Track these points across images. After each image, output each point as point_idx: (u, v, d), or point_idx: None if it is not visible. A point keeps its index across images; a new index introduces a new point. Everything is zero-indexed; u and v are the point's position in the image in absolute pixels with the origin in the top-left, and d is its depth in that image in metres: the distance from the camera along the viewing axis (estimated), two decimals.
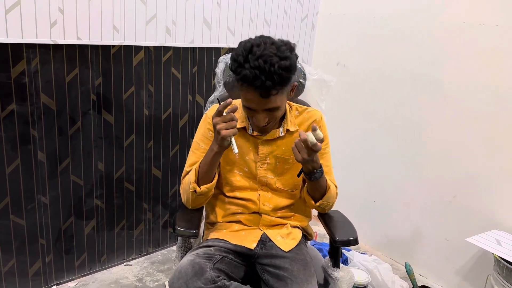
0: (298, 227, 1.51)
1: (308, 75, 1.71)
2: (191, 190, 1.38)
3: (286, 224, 1.48)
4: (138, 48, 2.06)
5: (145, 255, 2.41)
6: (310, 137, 1.25)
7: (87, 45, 1.90)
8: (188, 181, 1.40)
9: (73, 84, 1.92)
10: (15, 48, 1.72)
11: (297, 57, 1.31)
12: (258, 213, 1.47)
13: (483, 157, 2.11)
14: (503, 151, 2.04)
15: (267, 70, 1.20)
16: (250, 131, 1.44)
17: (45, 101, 1.86)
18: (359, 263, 2.26)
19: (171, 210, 2.44)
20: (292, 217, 1.52)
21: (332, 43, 2.73)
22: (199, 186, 1.38)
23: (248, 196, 1.46)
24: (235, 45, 2.45)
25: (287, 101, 1.44)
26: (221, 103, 1.28)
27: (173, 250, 2.49)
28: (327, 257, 1.49)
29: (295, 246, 1.41)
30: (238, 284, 1.26)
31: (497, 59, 2.02)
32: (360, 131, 2.64)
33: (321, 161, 1.37)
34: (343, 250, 2.08)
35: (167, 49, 2.15)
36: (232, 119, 1.28)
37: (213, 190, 1.43)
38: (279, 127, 1.45)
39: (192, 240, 1.50)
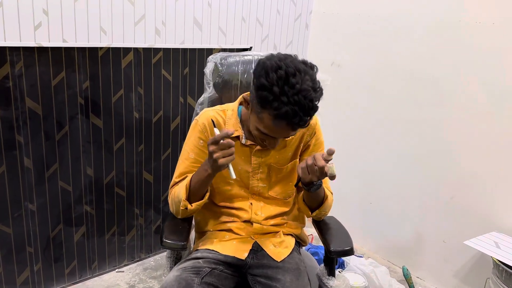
0: (291, 235, 1.46)
1: None
2: (181, 208, 1.33)
3: (278, 232, 1.43)
4: (126, 50, 2.00)
5: (138, 261, 2.36)
6: (331, 170, 1.19)
7: (74, 47, 1.84)
8: (178, 195, 1.34)
9: (60, 88, 1.86)
10: None
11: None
12: (249, 221, 1.42)
13: (481, 157, 2.08)
14: (501, 150, 2.00)
15: (307, 107, 1.14)
16: (243, 141, 1.39)
17: (31, 106, 1.80)
18: (355, 267, 2.22)
19: (164, 215, 2.39)
20: (285, 225, 1.47)
21: (326, 43, 2.69)
22: (190, 203, 1.33)
23: (240, 205, 1.41)
24: (227, 46, 2.46)
25: None
26: (220, 134, 1.18)
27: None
28: (322, 265, 1.45)
29: (288, 255, 1.36)
30: None
31: (493, 57, 1.98)
32: (356, 131, 2.60)
33: None
34: None
35: (157, 50, 2.10)
36: (230, 146, 1.20)
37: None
38: None
39: None
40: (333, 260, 1.41)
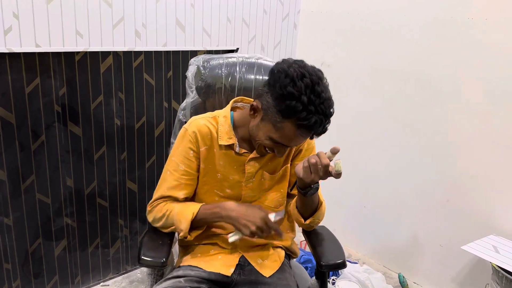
0: (280, 247, 1.37)
1: None
2: (180, 236, 1.27)
3: (267, 244, 1.35)
4: (105, 54, 1.91)
5: (124, 273, 2.26)
6: (338, 166, 1.13)
7: (48, 52, 1.75)
8: (174, 221, 1.27)
9: (34, 95, 1.76)
10: None
11: None
12: None
13: (477, 158, 2.01)
14: (499, 151, 1.93)
15: (329, 116, 1.15)
16: (237, 149, 1.30)
17: (3, 115, 1.70)
18: (350, 274, 2.14)
19: (150, 225, 2.28)
20: (275, 236, 1.38)
21: (315, 42, 2.61)
22: (189, 233, 1.27)
23: None
24: (212, 47, 2.37)
25: None
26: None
27: None
28: (314, 278, 1.37)
29: (277, 270, 1.28)
30: None
31: (486, 53, 1.91)
32: (348, 132, 2.51)
33: None
34: None
35: (137, 53, 2.01)
36: (270, 232, 1.20)
37: None
38: None
39: None
40: (324, 273, 1.32)
